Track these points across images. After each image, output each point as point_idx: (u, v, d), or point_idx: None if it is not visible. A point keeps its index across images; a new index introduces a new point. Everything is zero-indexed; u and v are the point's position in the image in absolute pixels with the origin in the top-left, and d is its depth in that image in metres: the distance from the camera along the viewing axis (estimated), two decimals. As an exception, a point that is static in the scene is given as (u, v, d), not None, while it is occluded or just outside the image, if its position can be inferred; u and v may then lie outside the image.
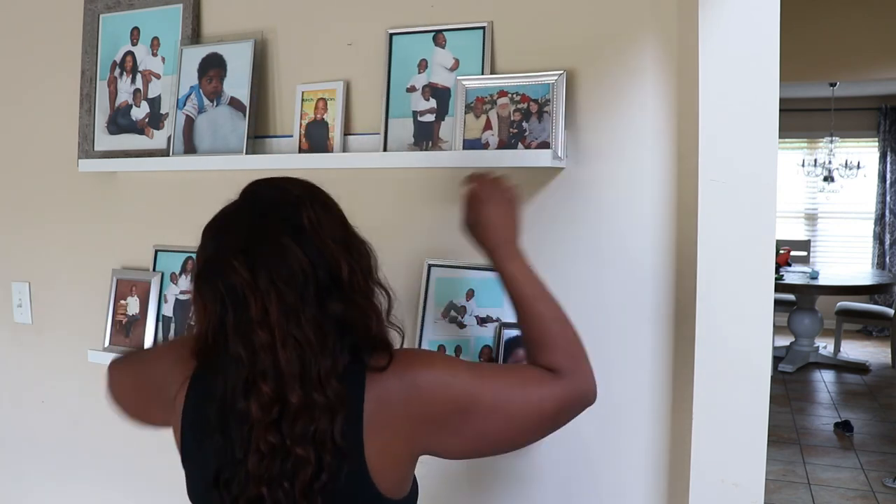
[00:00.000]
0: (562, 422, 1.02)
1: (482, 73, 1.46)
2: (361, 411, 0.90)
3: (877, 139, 7.33)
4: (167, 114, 1.74)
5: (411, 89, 1.52)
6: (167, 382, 1.03)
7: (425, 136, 1.50)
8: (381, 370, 0.92)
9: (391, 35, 1.54)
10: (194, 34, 1.73)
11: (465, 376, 0.96)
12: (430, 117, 1.50)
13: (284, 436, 0.86)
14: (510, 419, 0.96)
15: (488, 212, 1.09)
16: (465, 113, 1.44)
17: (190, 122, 1.68)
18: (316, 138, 1.59)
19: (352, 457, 0.89)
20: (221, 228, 0.95)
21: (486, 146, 1.42)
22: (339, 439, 0.87)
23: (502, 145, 1.41)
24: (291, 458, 0.86)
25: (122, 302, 1.82)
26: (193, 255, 1.80)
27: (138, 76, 1.78)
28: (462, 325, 1.49)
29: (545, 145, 1.38)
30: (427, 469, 1.58)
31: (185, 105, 1.69)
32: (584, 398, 1.03)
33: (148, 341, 1.78)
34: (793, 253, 6.45)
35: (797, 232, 7.60)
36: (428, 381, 0.93)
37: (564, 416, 1.02)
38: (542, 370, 1.00)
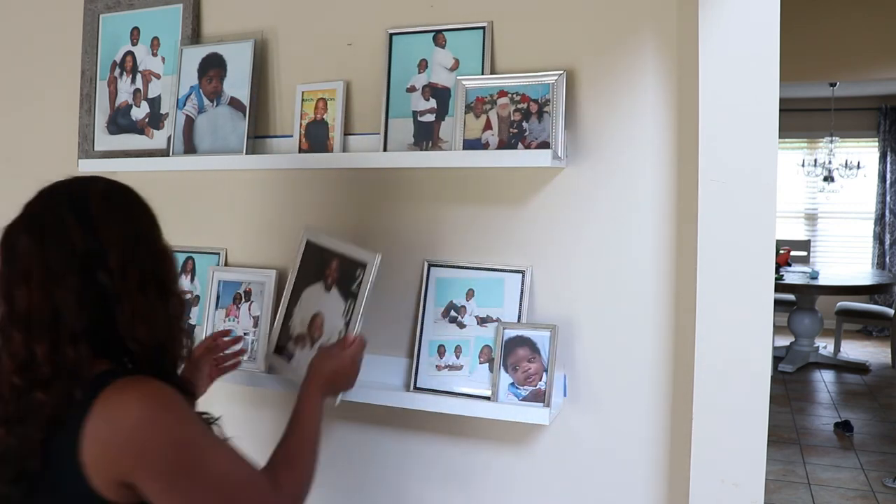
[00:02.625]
0: None
1: (482, 73, 1.46)
2: (82, 427, 0.90)
3: (877, 139, 7.33)
4: (167, 114, 1.73)
5: (411, 89, 1.52)
6: None
7: (425, 136, 1.50)
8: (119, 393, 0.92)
9: (391, 35, 1.54)
10: (194, 34, 1.73)
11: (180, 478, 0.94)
12: (430, 117, 1.50)
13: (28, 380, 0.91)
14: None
15: (320, 361, 1.27)
16: (465, 113, 1.44)
17: (190, 122, 1.68)
18: (316, 138, 1.59)
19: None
20: (26, 205, 1.05)
21: (486, 146, 1.42)
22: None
23: (502, 145, 1.41)
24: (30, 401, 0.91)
25: (122, 302, 1.82)
26: (193, 255, 1.83)
27: (138, 76, 1.78)
28: (462, 325, 1.49)
29: (545, 145, 1.38)
30: (420, 468, 1.58)
31: (185, 105, 1.69)
32: None
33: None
34: (793, 253, 6.45)
35: (797, 232, 7.60)
36: (142, 463, 0.91)
37: None
38: (268, 481, 1.04)
